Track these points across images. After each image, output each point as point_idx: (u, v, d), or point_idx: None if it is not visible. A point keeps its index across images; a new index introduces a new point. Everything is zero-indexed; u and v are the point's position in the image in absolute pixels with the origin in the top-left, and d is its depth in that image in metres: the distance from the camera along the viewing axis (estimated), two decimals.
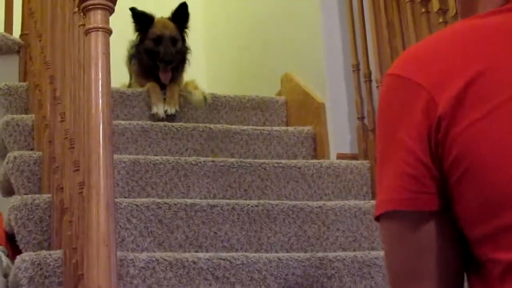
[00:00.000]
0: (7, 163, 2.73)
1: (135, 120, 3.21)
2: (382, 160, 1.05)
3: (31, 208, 2.49)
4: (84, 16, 2.00)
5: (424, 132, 1.00)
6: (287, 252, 2.62)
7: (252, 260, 2.36)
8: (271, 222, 2.66)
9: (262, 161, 2.99)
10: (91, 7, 1.95)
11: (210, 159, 2.93)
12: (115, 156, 2.61)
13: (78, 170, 2.12)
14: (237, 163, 2.93)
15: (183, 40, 3.55)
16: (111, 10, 1.97)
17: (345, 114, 3.28)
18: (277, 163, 2.98)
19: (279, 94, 3.67)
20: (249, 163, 2.94)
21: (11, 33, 3.60)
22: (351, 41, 3.27)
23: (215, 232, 2.59)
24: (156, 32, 3.48)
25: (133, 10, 3.49)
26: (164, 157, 2.89)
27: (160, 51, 3.43)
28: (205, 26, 4.75)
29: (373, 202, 2.88)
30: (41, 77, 2.96)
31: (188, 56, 3.57)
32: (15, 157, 2.73)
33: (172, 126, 3.14)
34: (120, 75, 3.49)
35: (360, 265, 2.47)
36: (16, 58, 3.51)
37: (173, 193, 2.79)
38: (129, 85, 3.61)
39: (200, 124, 3.22)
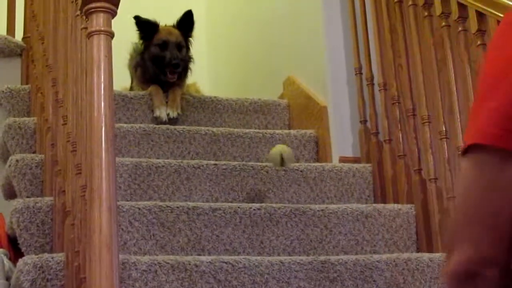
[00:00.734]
0: (9, 166, 2.74)
1: (137, 123, 3.21)
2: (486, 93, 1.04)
3: (33, 211, 2.49)
4: (86, 19, 2.01)
5: None
6: (289, 255, 2.62)
7: (254, 264, 2.36)
8: (273, 225, 2.66)
9: (264, 164, 2.99)
10: (93, 10, 1.95)
11: (212, 162, 2.93)
12: (117, 159, 2.61)
13: (80, 173, 2.12)
14: (239, 166, 2.92)
15: (187, 48, 3.53)
16: (113, 13, 1.97)
17: (348, 117, 3.28)
18: None
19: (281, 97, 3.67)
20: (252, 166, 2.94)
21: (14, 36, 3.61)
22: (353, 44, 3.26)
23: (217, 235, 2.58)
24: (162, 38, 3.45)
25: (137, 18, 3.46)
26: (166, 160, 2.89)
27: (166, 56, 3.41)
28: (207, 29, 4.74)
29: (375, 205, 2.88)
30: (43, 80, 2.96)
31: (191, 65, 3.54)
32: (17, 160, 2.73)
33: (175, 129, 3.13)
34: (121, 78, 3.48)
35: (362, 268, 2.47)
36: (18, 61, 3.52)
37: (175, 196, 2.79)
38: (131, 88, 3.61)
39: (203, 127, 3.22)
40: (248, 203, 2.76)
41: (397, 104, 3.00)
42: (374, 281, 2.46)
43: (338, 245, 2.72)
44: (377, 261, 2.50)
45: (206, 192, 2.85)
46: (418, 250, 2.79)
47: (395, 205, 2.87)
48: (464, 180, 1.05)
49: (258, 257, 2.43)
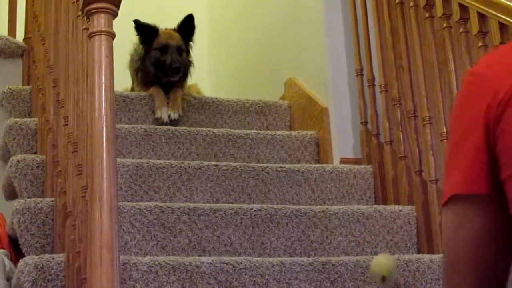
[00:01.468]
0: (10, 166, 2.74)
1: (138, 124, 3.21)
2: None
3: (34, 211, 2.49)
4: (87, 20, 2.01)
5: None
6: (290, 256, 2.62)
7: (255, 264, 2.36)
8: (274, 226, 2.66)
9: (265, 165, 2.98)
10: (94, 10, 1.95)
11: (213, 163, 2.93)
12: (118, 160, 2.61)
13: (81, 174, 2.12)
14: (240, 167, 2.92)
15: (188, 52, 3.51)
16: (114, 14, 1.97)
17: (349, 118, 3.28)
18: (280, 167, 2.98)
19: (282, 98, 3.67)
20: (252, 167, 2.94)
21: (15, 37, 3.61)
22: (354, 45, 3.26)
23: (218, 236, 2.58)
24: (162, 42, 3.43)
25: (136, 22, 3.43)
26: (167, 161, 2.89)
27: (166, 60, 3.39)
28: (209, 30, 4.75)
29: (376, 206, 2.88)
30: (44, 81, 2.96)
31: (191, 70, 3.52)
32: (18, 161, 2.73)
33: (176, 130, 3.13)
34: (122, 78, 3.48)
35: (363, 269, 2.46)
36: (19, 62, 3.52)
37: (176, 197, 2.79)
38: (132, 89, 3.61)
39: (204, 128, 3.22)
40: None
41: (398, 105, 3.00)
42: (374, 282, 2.46)
43: (339, 246, 2.72)
44: None
45: (207, 193, 2.85)
46: (419, 251, 2.79)
47: (396, 206, 2.87)
48: (446, 232, 1.12)
49: (259, 258, 2.43)
